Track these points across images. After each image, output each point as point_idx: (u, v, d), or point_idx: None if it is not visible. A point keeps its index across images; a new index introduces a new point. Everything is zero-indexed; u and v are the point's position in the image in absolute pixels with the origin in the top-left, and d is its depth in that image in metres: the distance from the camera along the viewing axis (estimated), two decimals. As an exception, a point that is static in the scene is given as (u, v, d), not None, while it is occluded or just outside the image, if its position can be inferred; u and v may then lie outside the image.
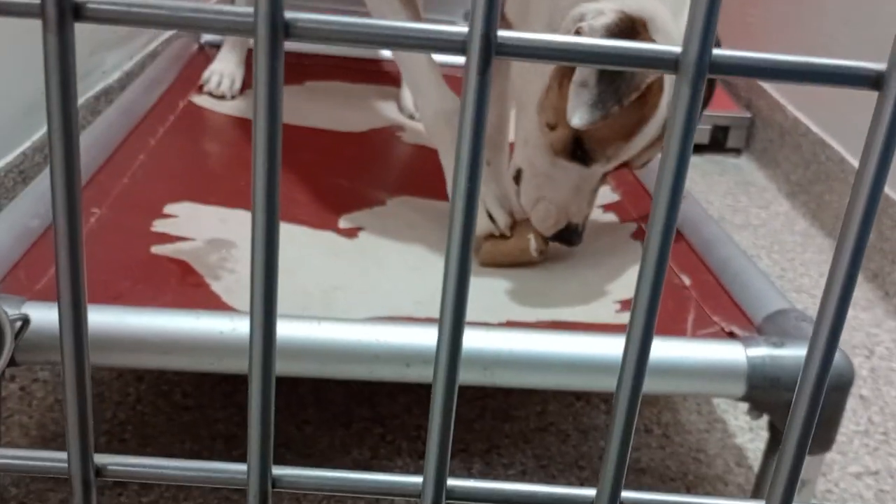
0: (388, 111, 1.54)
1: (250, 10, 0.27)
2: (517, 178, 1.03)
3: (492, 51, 0.25)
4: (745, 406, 1.01)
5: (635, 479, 1.01)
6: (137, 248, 0.99)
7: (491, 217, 1.05)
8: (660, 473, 1.02)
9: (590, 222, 1.06)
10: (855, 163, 1.66)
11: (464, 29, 0.26)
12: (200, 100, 1.47)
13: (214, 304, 0.90)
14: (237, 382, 1.09)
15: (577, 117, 0.88)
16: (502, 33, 0.26)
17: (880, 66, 0.24)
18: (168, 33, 2.03)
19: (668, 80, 0.94)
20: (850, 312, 1.44)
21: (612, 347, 0.82)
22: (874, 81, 0.24)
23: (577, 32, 0.90)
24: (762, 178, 1.96)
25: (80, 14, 0.26)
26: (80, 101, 1.61)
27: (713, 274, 1.05)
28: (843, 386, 0.84)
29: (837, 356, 0.85)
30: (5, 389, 1.03)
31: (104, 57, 1.70)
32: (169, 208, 1.09)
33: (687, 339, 0.88)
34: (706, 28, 0.23)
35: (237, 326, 0.79)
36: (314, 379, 1.11)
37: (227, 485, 0.28)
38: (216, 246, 1.02)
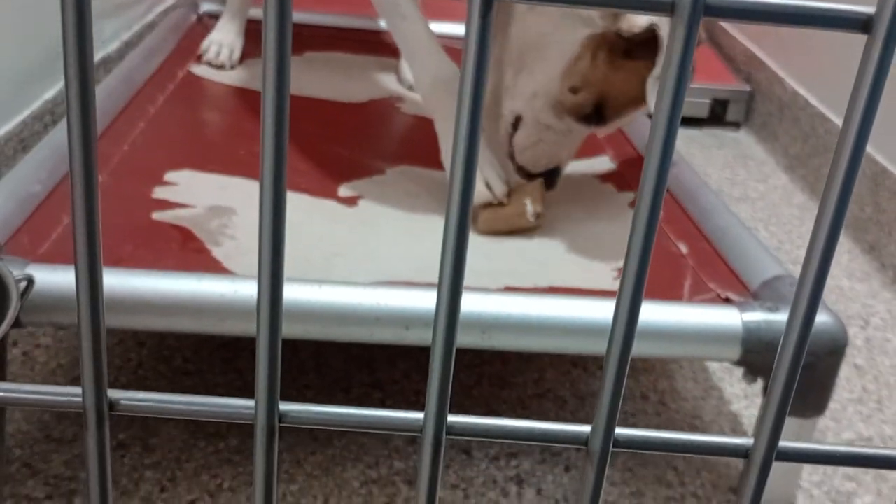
0: (388, 82, 1.54)
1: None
2: (515, 123, 1.06)
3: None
4: (740, 374, 1.02)
5: (631, 443, 1.02)
6: (138, 215, 1.00)
7: (488, 186, 1.06)
8: (655, 438, 1.04)
9: (588, 191, 1.08)
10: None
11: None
12: (199, 70, 1.47)
13: (215, 269, 0.91)
14: (237, 348, 1.10)
15: None
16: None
17: (869, 9, 0.25)
18: (167, 3, 2.03)
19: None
20: (846, 283, 1.45)
21: (608, 311, 0.83)
22: (863, 24, 0.25)
23: None
24: (761, 151, 1.97)
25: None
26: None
27: (710, 242, 1.06)
28: (836, 350, 0.85)
29: (831, 321, 0.86)
30: (8, 354, 1.04)
31: (103, 26, 1.70)
32: (169, 175, 1.10)
33: (684, 304, 0.89)
34: (701, -27, 0.24)
35: (239, 289, 0.80)
36: (315, 344, 1.13)
37: (236, 419, 0.29)
38: (216, 213, 1.03)
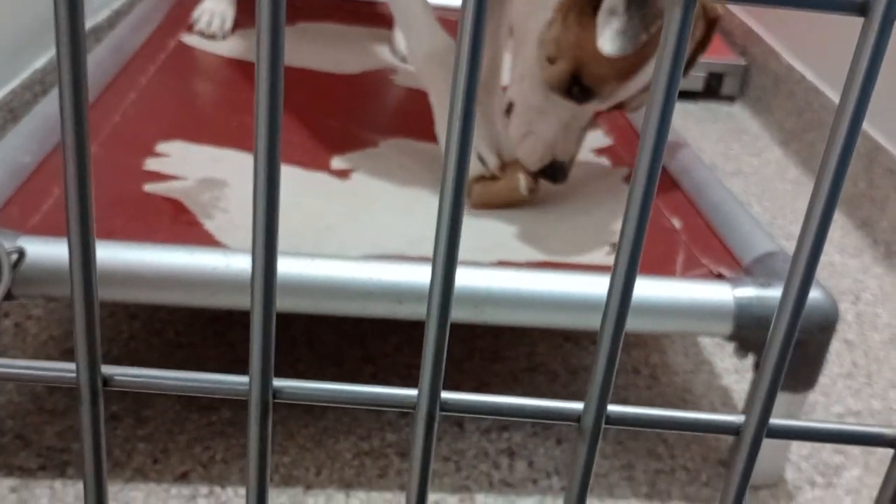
0: (382, 53, 1.53)
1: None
2: (508, 110, 1.04)
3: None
4: (731, 349, 1.03)
5: (622, 417, 1.03)
6: (130, 187, 0.99)
7: (481, 160, 1.05)
8: (646, 412, 1.04)
9: (582, 166, 1.07)
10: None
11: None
12: (191, 39, 1.46)
13: (207, 242, 0.90)
14: (229, 322, 1.10)
15: (609, 44, 0.88)
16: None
17: (868, -11, 0.25)
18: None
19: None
20: (838, 259, 1.46)
21: (601, 286, 0.83)
22: (860, 7, 0.24)
23: None
24: (755, 125, 1.96)
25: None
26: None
27: (703, 217, 1.06)
28: (827, 326, 0.86)
29: (822, 297, 0.86)
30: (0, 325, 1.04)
31: (93, -5, 1.68)
32: (161, 147, 1.09)
33: (676, 279, 0.89)
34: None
35: (231, 262, 0.80)
36: (306, 318, 1.13)
37: (230, 396, 0.29)
38: (208, 185, 1.02)
